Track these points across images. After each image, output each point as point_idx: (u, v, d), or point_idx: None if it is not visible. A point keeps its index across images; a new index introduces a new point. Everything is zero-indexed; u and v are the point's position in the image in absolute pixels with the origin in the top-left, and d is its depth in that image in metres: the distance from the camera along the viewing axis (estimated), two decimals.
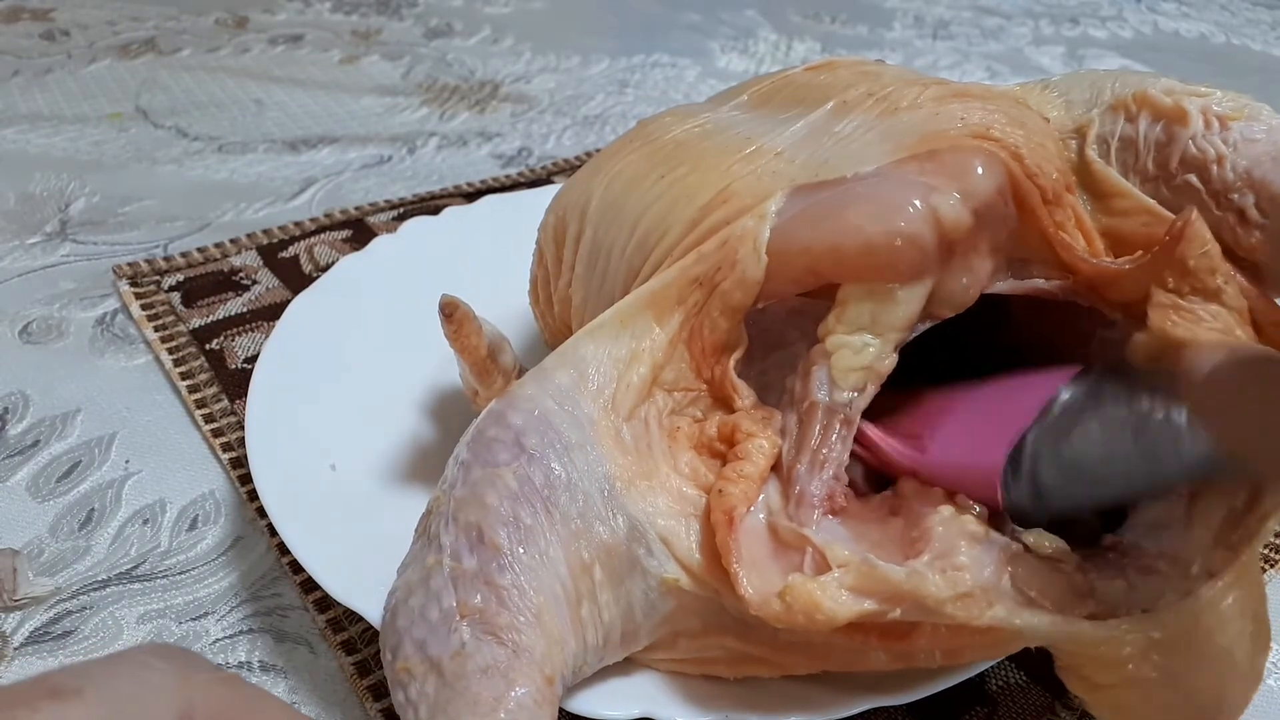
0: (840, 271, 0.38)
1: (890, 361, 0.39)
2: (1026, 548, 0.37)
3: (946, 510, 0.37)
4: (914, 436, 0.40)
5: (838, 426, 0.39)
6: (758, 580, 0.36)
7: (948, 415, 0.40)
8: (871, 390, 0.39)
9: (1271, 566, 0.52)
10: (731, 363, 0.40)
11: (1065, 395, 0.37)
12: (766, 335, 0.42)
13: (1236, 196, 0.39)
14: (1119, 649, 0.34)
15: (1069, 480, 0.36)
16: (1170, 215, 0.40)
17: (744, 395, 0.40)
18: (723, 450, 0.39)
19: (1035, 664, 0.45)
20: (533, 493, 0.37)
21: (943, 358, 0.43)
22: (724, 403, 0.40)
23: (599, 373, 0.40)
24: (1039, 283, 0.40)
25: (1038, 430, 0.37)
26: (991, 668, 0.45)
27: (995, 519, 0.38)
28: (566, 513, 0.37)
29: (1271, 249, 0.38)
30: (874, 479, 0.42)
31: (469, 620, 0.35)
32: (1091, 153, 0.42)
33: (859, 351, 0.38)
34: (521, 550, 0.36)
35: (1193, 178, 0.40)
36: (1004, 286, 0.40)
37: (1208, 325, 0.37)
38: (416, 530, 0.39)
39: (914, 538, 0.37)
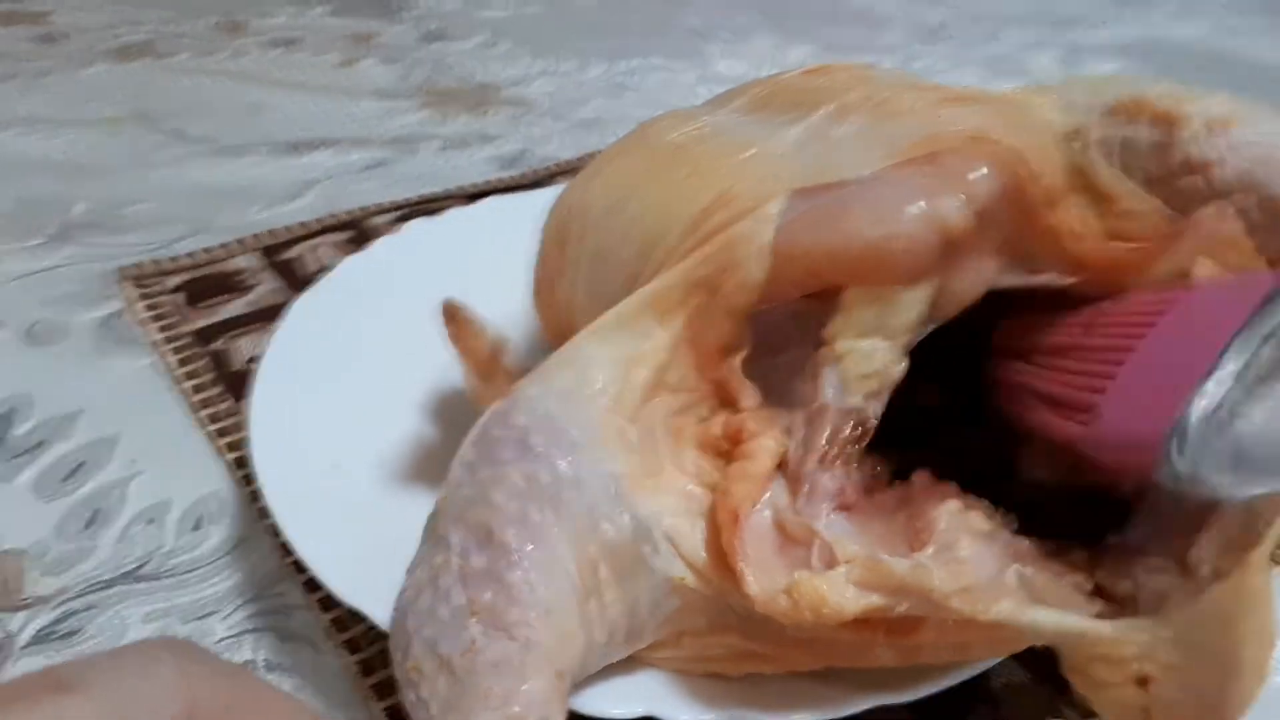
0: (842, 274, 0.39)
1: (902, 367, 0.39)
2: (1033, 546, 0.37)
3: (953, 504, 0.37)
4: (1078, 406, 0.35)
5: (848, 429, 0.39)
6: (764, 578, 0.36)
7: (1120, 370, 0.34)
8: (884, 396, 0.39)
9: (1276, 564, 0.52)
10: (737, 363, 0.40)
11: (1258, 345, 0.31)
12: (768, 338, 0.42)
13: (1235, 198, 0.39)
14: (1125, 649, 0.34)
15: (1248, 456, 0.31)
16: (1171, 216, 0.40)
17: (749, 396, 0.40)
18: (728, 449, 0.40)
19: (1039, 663, 0.45)
20: (539, 491, 0.37)
21: (947, 357, 0.44)
22: (729, 404, 0.41)
23: (602, 373, 0.40)
24: (1051, 277, 0.41)
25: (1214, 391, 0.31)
26: (995, 667, 0.45)
27: (1000, 519, 0.38)
28: (573, 510, 0.37)
29: (1269, 252, 0.39)
30: (881, 476, 0.42)
31: (479, 617, 0.35)
32: (1091, 156, 0.43)
33: (868, 357, 0.38)
34: (530, 547, 0.36)
35: (1192, 180, 0.40)
36: (1013, 280, 0.40)
37: None
38: (424, 531, 0.40)
39: (918, 528, 0.37)
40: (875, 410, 0.39)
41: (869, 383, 0.39)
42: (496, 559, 0.36)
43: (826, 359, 0.39)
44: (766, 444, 0.38)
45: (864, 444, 0.39)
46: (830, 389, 0.39)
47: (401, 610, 0.38)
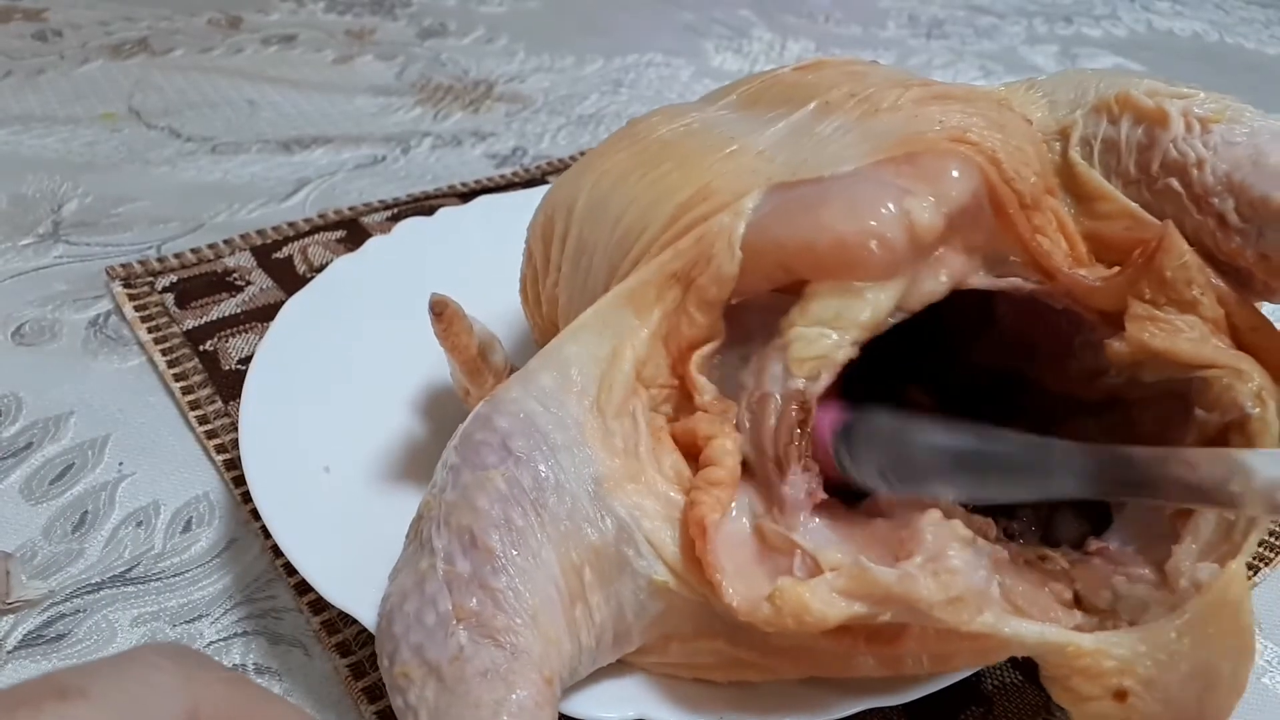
0: (811, 268, 0.39)
1: (845, 352, 0.38)
2: (1013, 555, 0.37)
3: (935, 513, 0.37)
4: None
5: (792, 413, 0.38)
6: (743, 587, 0.36)
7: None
8: (826, 379, 0.38)
9: (1265, 565, 0.52)
10: (695, 358, 0.40)
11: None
12: (742, 332, 0.42)
13: (1216, 200, 0.39)
14: (1104, 662, 0.34)
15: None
16: (1151, 219, 0.40)
17: (704, 391, 0.40)
18: (698, 452, 0.39)
19: (1030, 665, 0.45)
20: (522, 495, 0.37)
21: (923, 361, 0.43)
22: (690, 399, 0.40)
23: (582, 373, 0.40)
24: (1016, 281, 0.40)
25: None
26: (987, 668, 0.45)
27: (980, 526, 0.38)
28: (555, 514, 0.37)
29: (1251, 253, 0.38)
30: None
31: (466, 624, 0.35)
32: (1074, 155, 0.42)
33: (813, 341, 0.38)
34: (515, 553, 0.36)
35: (1173, 181, 0.40)
36: (981, 282, 0.40)
37: (1185, 335, 0.37)
38: (408, 534, 0.39)
39: (903, 538, 0.37)
40: (814, 390, 0.38)
41: (808, 365, 0.38)
42: (481, 564, 0.36)
43: (774, 351, 0.39)
44: (725, 444, 0.38)
45: (807, 427, 0.38)
46: (774, 379, 0.39)
47: (387, 614, 0.38)
